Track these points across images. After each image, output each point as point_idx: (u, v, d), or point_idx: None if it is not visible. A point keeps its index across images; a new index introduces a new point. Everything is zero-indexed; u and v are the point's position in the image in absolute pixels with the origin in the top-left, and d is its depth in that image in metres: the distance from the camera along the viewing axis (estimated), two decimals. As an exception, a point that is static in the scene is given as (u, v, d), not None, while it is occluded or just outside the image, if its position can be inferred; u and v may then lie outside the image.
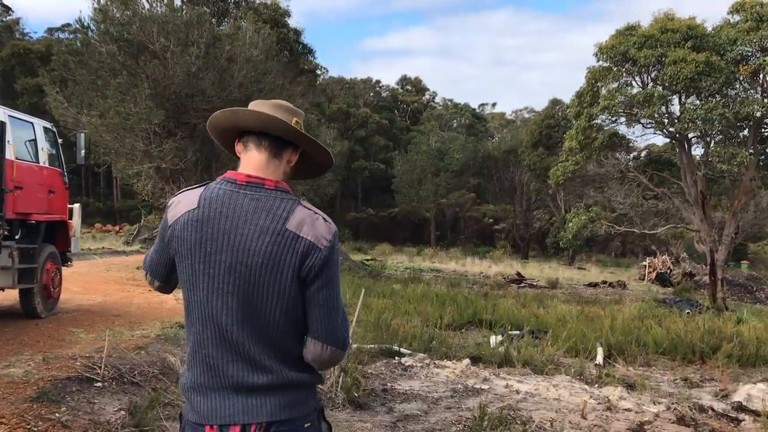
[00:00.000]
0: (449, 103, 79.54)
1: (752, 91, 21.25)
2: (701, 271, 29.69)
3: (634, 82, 22.21)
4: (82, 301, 12.00)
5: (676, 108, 21.92)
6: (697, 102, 21.18)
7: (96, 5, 19.89)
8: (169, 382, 6.79)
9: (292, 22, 37.19)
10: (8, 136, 8.75)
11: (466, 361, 8.98)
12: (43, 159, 10.03)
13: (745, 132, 21.71)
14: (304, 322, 1.96)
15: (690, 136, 21.94)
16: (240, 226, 1.88)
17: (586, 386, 8.20)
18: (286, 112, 2.03)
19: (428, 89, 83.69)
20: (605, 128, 22.98)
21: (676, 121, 21.29)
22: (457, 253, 47.82)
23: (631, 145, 24.56)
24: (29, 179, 9.36)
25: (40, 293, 9.73)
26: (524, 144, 52.04)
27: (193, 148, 20.99)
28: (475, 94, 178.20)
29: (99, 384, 6.33)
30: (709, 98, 20.86)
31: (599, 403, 7.21)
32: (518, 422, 6.21)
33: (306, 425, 1.95)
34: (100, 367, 6.58)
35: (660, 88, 20.93)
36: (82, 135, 11.13)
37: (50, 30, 61.08)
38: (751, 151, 21.00)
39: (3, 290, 9.39)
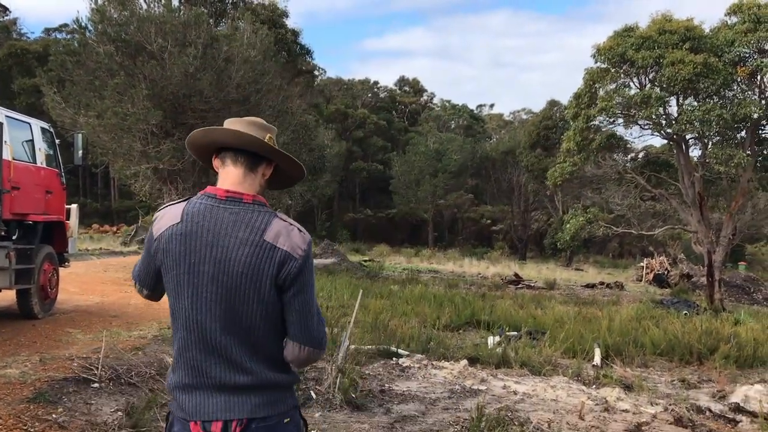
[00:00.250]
0: (447, 104, 79.61)
1: (750, 93, 21.25)
2: (699, 272, 29.72)
3: (631, 84, 22.23)
4: (79, 302, 11.98)
5: (673, 109, 21.94)
6: (695, 103, 21.18)
7: (93, 5, 19.87)
8: (167, 383, 6.78)
9: (290, 22, 37.16)
10: (5, 137, 8.74)
11: (464, 362, 8.98)
12: (41, 159, 10.01)
13: (743, 133, 21.71)
14: (283, 325, 2.11)
15: (688, 137, 21.95)
16: (221, 238, 2.03)
17: (584, 387, 8.20)
18: (260, 129, 2.16)
19: (426, 90, 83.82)
20: (603, 129, 22.98)
21: (673, 122, 21.30)
22: (454, 254, 47.82)
23: (628, 146, 24.56)
24: (26, 180, 9.34)
25: (37, 294, 9.71)
26: (522, 145, 52.05)
27: (191, 148, 20.92)
28: (473, 95, 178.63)
29: (96, 385, 6.32)
30: (707, 100, 20.87)
31: (597, 404, 7.21)
32: (516, 423, 6.21)
33: (285, 421, 2.09)
34: (97, 368, 6.57)
35: (658, 90, 20.93)
36: (80, 135, 11.11)
37: (47, 30, 61.05)
38: (749, 152, 21.01)
39: (0, 291, 9.37)
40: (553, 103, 51.71)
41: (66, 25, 50.62)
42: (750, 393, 7.85)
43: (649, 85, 21.66)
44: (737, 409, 7.47)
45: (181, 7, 22.21)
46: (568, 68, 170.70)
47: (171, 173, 21.09)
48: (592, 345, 10.74)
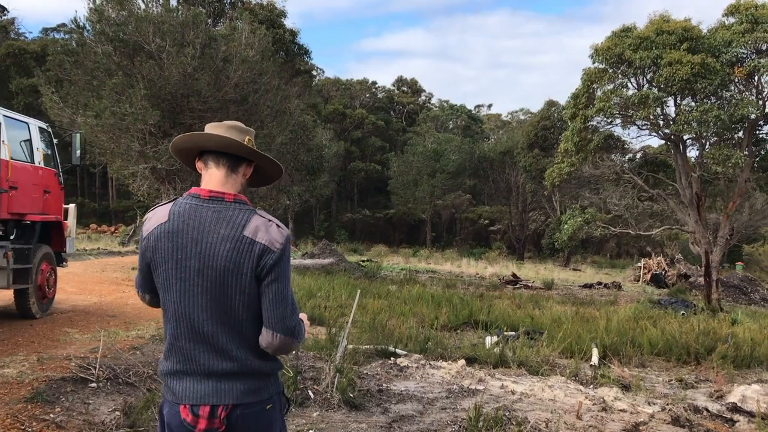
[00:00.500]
0: (445, 104, 79.65)
1: (747, 93, 21.26)
2: (696, 272, 29.77)
3: (629, 84, 22.22)
4: (77, 302, 11.97)
5: (671, 110, 21.95)
6: (693, 104, 21.20)
7: (91, 5, 19.86)
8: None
9: (288, 22, 37.24)
10: (3, 136, 8.73)
11: (462, 361, 8.99)
12: (39, 159, 10.00)
13: (740, 134, 21.72)
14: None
15: (685, 137, 21.95)
16: (205, 234, 2.19)
17: (582, 387, 8.20)
18: (240, 132, 2.33)
19: (424, 90, 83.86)
20: (601, 130, 22.98)
21: (671, 122, 21.32)
22: (452, 254, 47.84)
23: (626, 146, 24.52)
24: (24, 179, 9.34)
25: (35, 294, 9.70)
26: (520, 145, 52.06)
27: (189, 148, 20.92)
28: (471, 96, 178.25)
29: (94, 384, 6.32)
30: (705, 100, 20.89)
31: (594, 404, 7.22)
32: (513, 423, 6.21)
33: (268, 407, 2.25)
34: (95, 368, 6.57)
35: (655, 90, 20.94)
36: (78, 135, 11.10)
37: (46, 30, 60.95)
38: (746, 152, 21.03)
39: (-3, 290, 9.36)
40: (551, 104, 51.74)
41: (64, 24, 50.53)
42: (747, 393, 7.86)
43: (646, 86, 21.67)
44: (734, 408, 7.48)
45: (179, 7, 22.20)
46: (567, 69, 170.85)
47: (169, 173, 21.08)
48: (589, 345, 10.75)
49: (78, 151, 10.94)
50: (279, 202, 30.27)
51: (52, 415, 5.35)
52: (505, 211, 58.52)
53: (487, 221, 60.11)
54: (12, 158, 8.99)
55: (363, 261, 33.98)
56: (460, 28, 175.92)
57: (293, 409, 6.42)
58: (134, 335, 9.01)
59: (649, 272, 32.78)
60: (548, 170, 24.77)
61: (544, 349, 10.37)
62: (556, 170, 23.54)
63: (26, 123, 9.89)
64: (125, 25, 19.39)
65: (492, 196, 62.28)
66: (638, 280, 32.95)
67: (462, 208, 60.05)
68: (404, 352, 9.52)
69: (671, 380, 9.43)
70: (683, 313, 16.35)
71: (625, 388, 8.38)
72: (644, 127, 22.66)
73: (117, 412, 5.56)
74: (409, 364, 8.74)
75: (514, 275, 29.11)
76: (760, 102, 20.87)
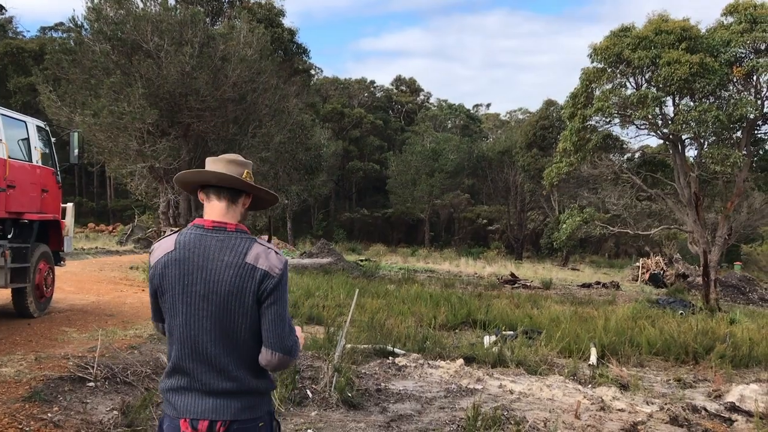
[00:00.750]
0: (444, 103, 79.66)
1: (745, 93, 21.27)
2: (694, 272, 29.80)
3: (628, 84, 22.22)
4: (74, 301, 11.95)
5: (670, 109, 21.95)
6: (691, 103, 21.21)
7: (90, 4, 19.84)
8: (160, 386, 6.76)
9: (287, 21, 37.22)
10: (1, 135, 8.71)
11: (460, 361, 8.98)
12: (36, 158, 9.98)
13: (738, 133, 21.73)
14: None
15: (684, 137, 21.96)
16: (210, 262, 2.35)
17: (580, 386, 8.20)
18: (238, 166, 2.50)
19: (423, 90, 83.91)
20: (599, 129, 22.97)
21: (669, 122, 21.32)
22: (451, 253, 47.85)
23: (624, 146, 24.51)
24: (22, 178, 9.31)
25: (32, 293, 9.68)
26: (518, 145, 52.08)
27: (187, 147, 20.94)
28: (469, 96, 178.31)
29: (91, 384, 6.30)
30: (703, 100, 20.89)
31: (593, 404, 7.22)
32: (512, 422, 6.21)
33: (260, 425, 2.41)
34: (93, 367, 6.55)
35: (654, 90, 20.94)
36: (76, 134, 11.07)
37: (44, 29, 61.02)
38: (745, 152, 21.04)
39: (-5, 289, 9.34)
40: (549, 103, 51.74)
41: (62, 23, 50.55)
42: (745, 392, 7.86)
43: (645, 85, 21.67)
44: (733, 408, 7.49)
45: (178, 6, 22.17)
46: (564, 69, 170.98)
47: (167, 172, 21.05)
48: (588, 344, 10.75)
49: (76, 150, 10.91)
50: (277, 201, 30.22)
51: (49, 415, 5.34)
52: (503, 211, 58.54)
53: (485, 221, 60.12)
54: (10, 157, 8.97)
55: (361, 260, 33.98)
56: (458, 28, 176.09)
57: (291, 409, 6.41)
58: (132, 334, 9.00)
59: (647, 272, 32.80)
60: (547, 170, 24.77)
61: (542, 348, 10.36)
62: (555, 170, 23.54)
63: (24, 122, 9.86)
64: (123, 24, 19.37)
65: (490, 196, 62.30)
66: (636, 280, 32.97)
67: (460, 208, 60.06)
68: (402, 352, 9.52)
69: (669, 380, 9.43)
70: (681, 313, 16.36)
71: (624, 387, 8.37)
72: (643, 127, 22.67)
73: (115, 412, 5.55)
74: (408, 364, 8.74)
75: (512, 275, 29.12)
76: (759, 102, 20.88)
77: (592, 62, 22.03)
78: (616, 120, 22.72)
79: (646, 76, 21.65)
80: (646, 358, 10.88)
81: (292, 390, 6.63)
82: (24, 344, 7.87)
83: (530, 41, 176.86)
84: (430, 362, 8.95)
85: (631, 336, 11.63)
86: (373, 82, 77.54)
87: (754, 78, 20.88)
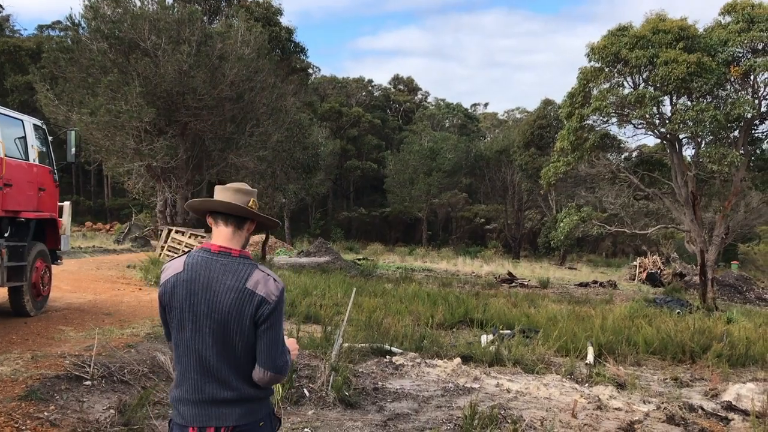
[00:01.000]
0: (441, 102, 79.63)
1: (743, 93, 21.30)
2: (691, 271, 29.83)
3: (625, 83, 22.24)
4: (71, 300, 11.93)
5: (667, 109, 21.98)
6: (688, 103, 21.23)
7: (87, 2, 19.82)
8: (159, 380, 6.76)
9: (284, 20, 37.14)
10: (-3, 133, 8.69)
11: (457, 360, 8.99)
12: (33, 156, 9.96)
13: (736, 133, 21.76)
14: None
15: (681, 136, 21.99)
16: (213, 283, 2.57)
17: (577, 385, 8.21)
18: (244, 195, 2.72)
19: (420, 89, 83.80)
20: (597, 129, 22.99)
21: (667, 121, 21.35)
22: (448, 252, 47.86)
23: (622, 145, 24.54)
24: (19, 177, 9.29)
25: (29, 291, 9.67)
26: (516, 144, 52.10)
27: (184, 146, 20.93)
28: (467, 95, 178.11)
29: (88, 382, 6.30)
30: (700, 99, 20.92)
31: (590, 402, 7.22)
32: (509, 421, 6.22)
33: (260, 424, 2.64)
34: (90, 366, 6.55)
35: (651, 89, 20.96)
36: (73, 133, 11.04)
37: (41, 27, 60.79)
38: (742, 151, 21.07)
39: (-8, 288, 9.32)
40: (547, 103, 51.77)
41: (59, 22, 50.45)
42: (742, 391, 7.88)
43: (642, 85, 21.69)
44: (729, 407, 7.50)
45: (175, 5, 22.14)
46: (562, 68, 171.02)
47: (164, 170, 21.04)
48: (585, 343, 10.76)
49: (73, 149, 10.89)
50: (275, 200, 30.23)
51: (46, 413, 5.33)
52: (501, 210, 58.54)
53: (483, 220, 60.12)
54: (6, 155, 8.95)
55: (359, 259, 33.98)
56: (455, 27, 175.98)
57: (288, 408, 6.41)
58: (129, 333, 8.98)
59: (644, 271, 32.83)
60: (544, 169, 24.78)
61: (539, 347, 10.37)
62: (552, 169, 23.56)
63: (21, 120, 9.84)
64: (121, 23, 19.35)
65: (488, 195, 62.29)
66: (634, 279, 33.00)
67: (458, 207, 60.05)
68: (400, 351, 9.52)
69: (666, 379, 9.45)
70: (679, 312, 16.37)
71: (621, 386, 8.38)
72: (640, 126, 22.70)
73: (111, 410, 5.54)
74: (405, 363, 8.74)
75: (509, 274, 29.14)
76: (756, 101, 20.91)
77: (590, 61, 22.06)
78: (614, 119, 22.75)
79: (644, 76, 21.67)
80: (643, 357, 10.89)
81: (290, 389, 6.63)
82: (20, 343, 7.86)
83: (528, 40, 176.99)
84: (427, 361, 8.95)
85: (628, 335, 11.64)
86: (370, 81, 77.52)
87: (752, 77, 20.91)
